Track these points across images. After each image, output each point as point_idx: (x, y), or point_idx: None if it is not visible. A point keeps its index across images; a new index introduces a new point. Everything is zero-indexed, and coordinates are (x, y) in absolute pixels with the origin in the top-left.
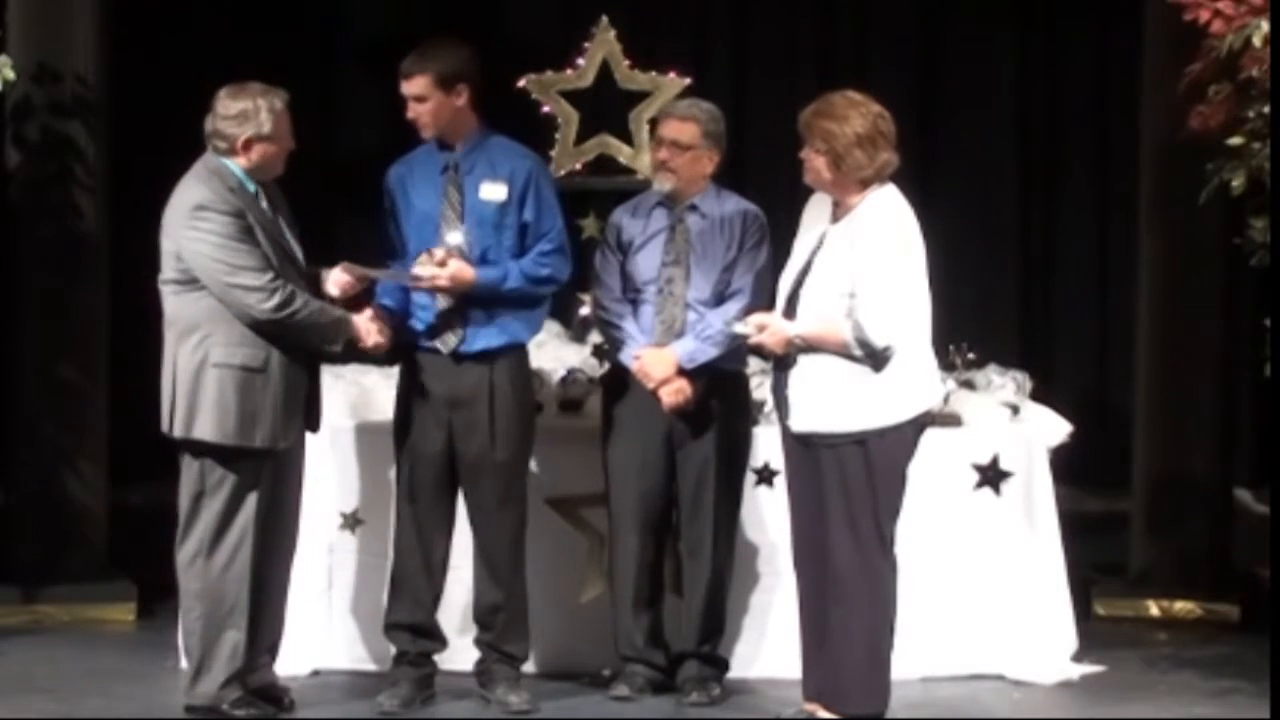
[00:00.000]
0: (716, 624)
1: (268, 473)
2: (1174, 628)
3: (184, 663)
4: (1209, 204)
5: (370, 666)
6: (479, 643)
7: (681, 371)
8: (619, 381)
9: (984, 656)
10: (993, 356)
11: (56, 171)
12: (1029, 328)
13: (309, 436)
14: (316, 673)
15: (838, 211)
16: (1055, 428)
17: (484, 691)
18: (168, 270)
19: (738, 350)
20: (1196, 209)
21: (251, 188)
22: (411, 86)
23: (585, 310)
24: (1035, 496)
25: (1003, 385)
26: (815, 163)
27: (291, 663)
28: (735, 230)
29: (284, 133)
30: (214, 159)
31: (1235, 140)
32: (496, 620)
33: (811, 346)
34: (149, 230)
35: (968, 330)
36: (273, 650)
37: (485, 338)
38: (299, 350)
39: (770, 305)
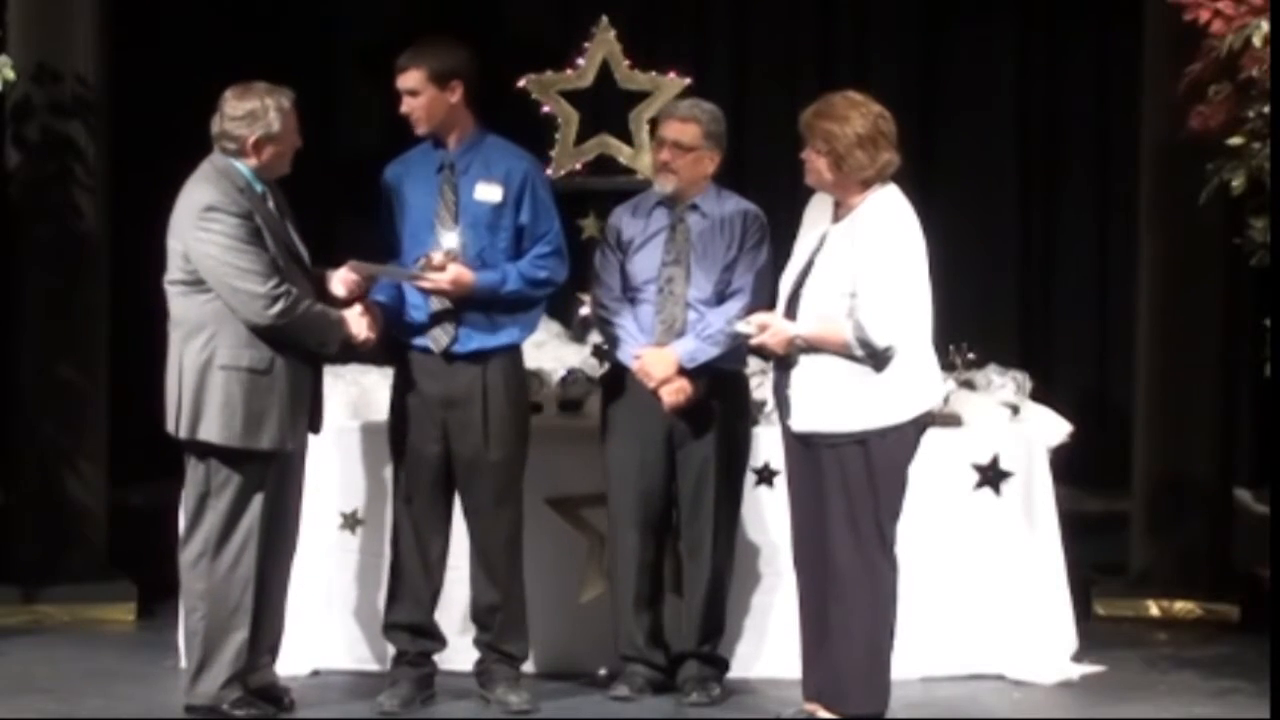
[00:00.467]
0: (716, 624)
1: (272, 474)
2: (1174, 628)
3: (184, 663)
4: (1209, 204)
5: (370, 666)
6: (478, 643)
7: (682, 371)
8: (618, 381)
9: (984, 656)
10: (993, 356)
11: (56, 171)
12: (1029, 328)
13: (309, 437)
14: (316, 673)
15: (839, 211)
16: (1055, 428)
17: (484, 691)
18: (174, 271)
19: (737, 350)
20: (1196, 209)
21: (259, 188)
22: (405, 80)
23: (585, 310)
24: (1035, 496)
25: (1003, 385)
26: (817, 163)
27: (291, 663)
28: (735, 230)
29: (291, 132)
30: (222, 159)
31: (1235, 140)
32: (495, 620)
33: (813, 346)
34: (149, 230)
35: (968, 330)
36: (273, 650)
37: (479, 338)
38: (301, 351)
39: (770, 305)
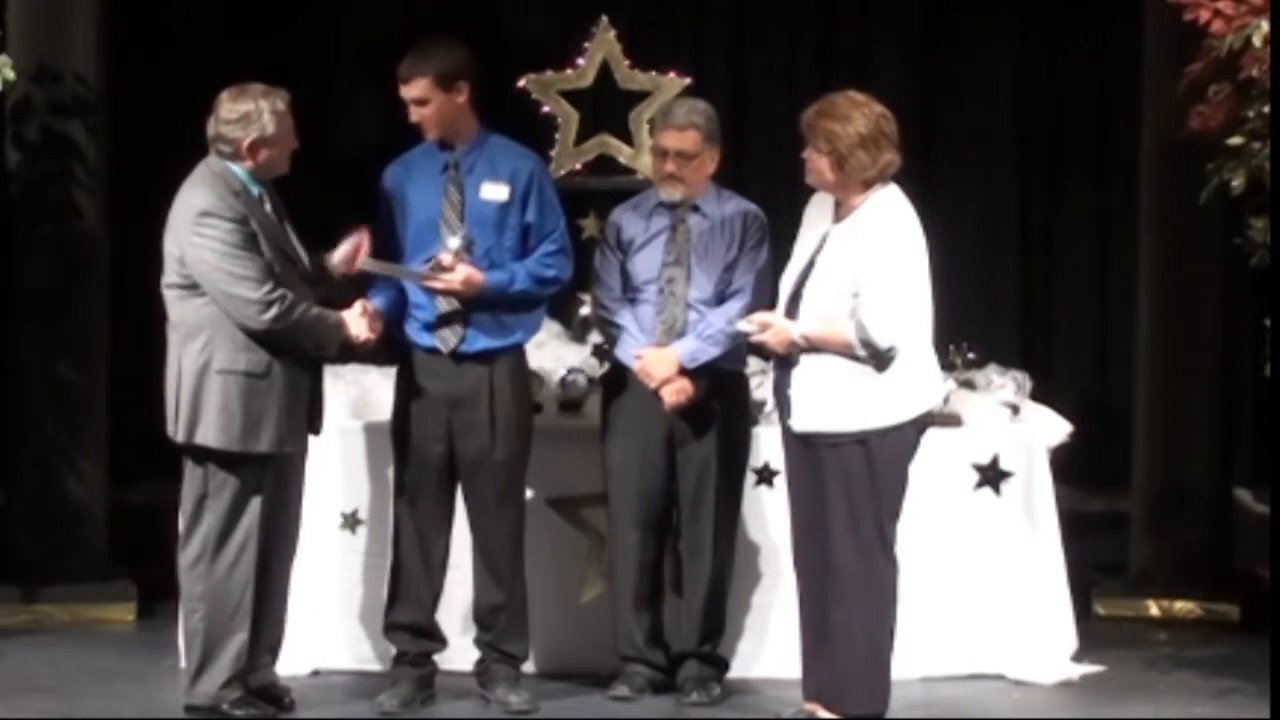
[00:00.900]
0: (717, 624)
1: (271, 476)
2: (1174, 628)
3: (184, 662)
4: (1209, 204)
5: (370, 666)
6: (479, 643)
7: (683, 371)
8: (619, 381)
9: (984, 656)
10: (993, 356)
11: (56, 171)
12: (1029, 328)
13: (310, 438)
14: (316, 673)
15: (840, 211)
16: (1055, 428)
17: (484, 691)
18: (171, 274)
19: (738, 350)
20: (1196, 209)
21: (255, 191)
22: (411, 90)
23: (585, 310)
24: (1035, 496)
25: (1003, 385)
26: (818, 163)
27: (291, 663)
28: (736, 230)
29: (287, 133)
30: (217, 162)
31: (1235, 140)
32: (497, 620)
33: (814, 346)
34: (149, 230)
35: (968, 330)
36: (273, 650)
37: (486, 338)
38: (299, 354)
39: (771, 305)
